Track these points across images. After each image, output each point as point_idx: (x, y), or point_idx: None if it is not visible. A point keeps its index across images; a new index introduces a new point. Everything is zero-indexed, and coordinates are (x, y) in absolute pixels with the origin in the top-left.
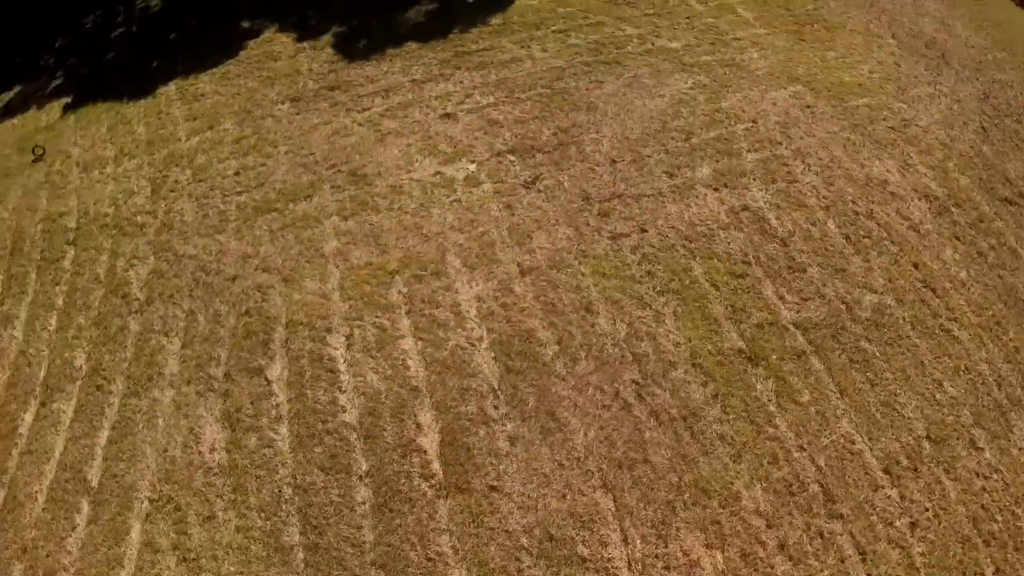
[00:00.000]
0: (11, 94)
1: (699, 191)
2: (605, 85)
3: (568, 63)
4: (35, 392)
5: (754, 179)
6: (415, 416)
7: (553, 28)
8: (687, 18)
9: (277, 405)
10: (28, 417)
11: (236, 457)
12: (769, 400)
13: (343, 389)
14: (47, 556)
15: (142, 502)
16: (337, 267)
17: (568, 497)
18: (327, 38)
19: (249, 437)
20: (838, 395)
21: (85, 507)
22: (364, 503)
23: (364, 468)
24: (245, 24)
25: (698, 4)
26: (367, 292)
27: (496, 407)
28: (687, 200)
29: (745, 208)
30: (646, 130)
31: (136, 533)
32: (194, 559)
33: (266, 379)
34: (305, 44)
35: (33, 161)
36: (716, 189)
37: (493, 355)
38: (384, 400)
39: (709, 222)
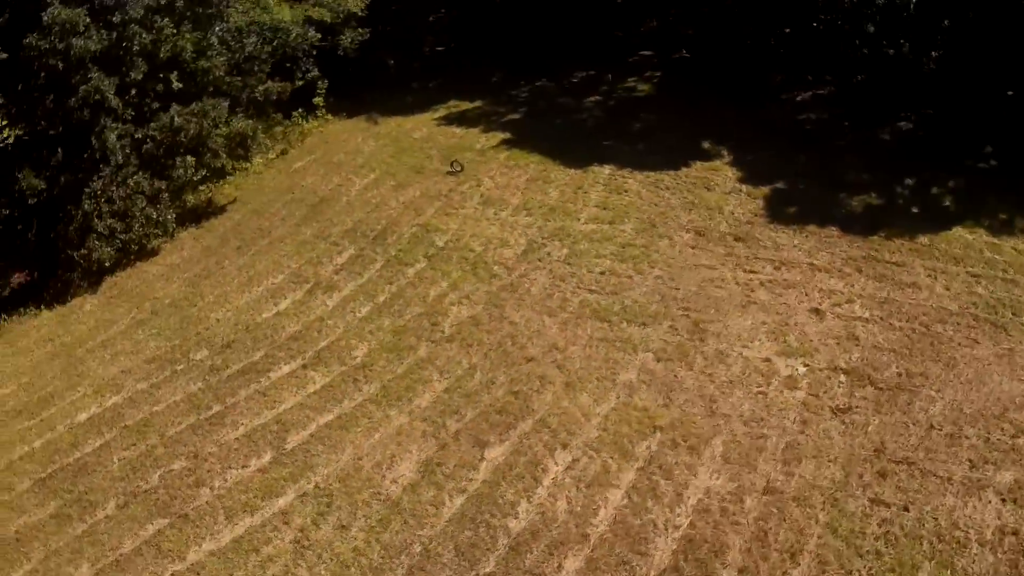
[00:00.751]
0: (471, 105)
1: (987, 495)
2: (978, 347)
3: (959, 310)
4: (322, 358)
5: None
6: (564, 557)
7: (969, 269)
8: None
9: (471, 480)
10: (284, 369)
11: (404, 498)
12: None
13: (531, 499)
14: (208, 471)
15: (309, 482)
16: (617, 397)
17: None
18: (764, 190)
19: (428, 490)
20: None
21: (266, 456)
22: None
23: (487, 569)
24: (705, 144)
25: None
26: (622, 432)
27: None
28: (969, 498)
29: (1015, 533)
30: (983, 409)
31: (283, 499)
32: (304, 547)
33: (482, 455)
34: (744, 187)
35: (447, 172)
36: (1004, 501)
37: (675, 547)
38: (552, 529)
39: (971, 531)
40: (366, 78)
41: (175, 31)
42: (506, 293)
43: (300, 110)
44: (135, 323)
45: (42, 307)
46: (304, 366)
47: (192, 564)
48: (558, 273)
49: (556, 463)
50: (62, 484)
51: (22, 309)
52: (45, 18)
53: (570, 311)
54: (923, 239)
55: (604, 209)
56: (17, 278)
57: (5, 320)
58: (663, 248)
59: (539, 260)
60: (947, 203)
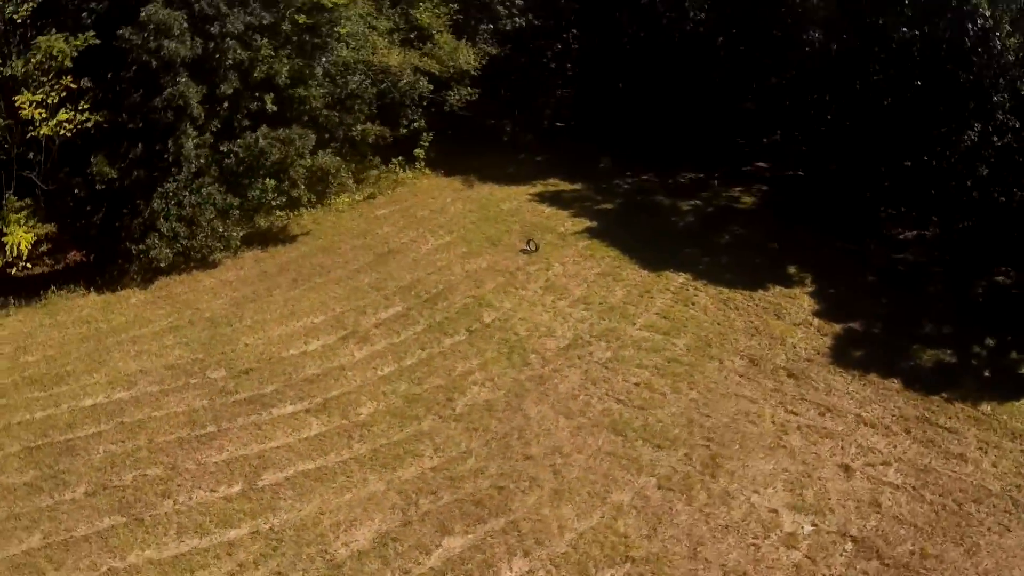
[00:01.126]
0: (570, 187)
1: None
2: (1008, 535)
3: (1001, 491)
4: (327, 407)
5: None
6: None
7: None
8: None
9: (419, 563)
10: (288, 408)
11: (348, 564)
12: None
13: None
14: (179, 485)
15: (266, 522)
16: (602, 517)
17: None
18: (836, 327)
19: (374, 562)
20: None
21: (236, 487)
22: None
23: None
24: (790, 269)
25: None
26: (591, 554)
27: None
28: None
29: None
30: None
31: (235, 531)
32: None
33: (440, 543)
34: (816, 320)
35: (521, 250)
36: None
37: None
38: None
39: None
40: (475, 140)
41: (273, 53)
42: (532, 384)
43: (400, 158)
44: (169, 327)
45: (91, 290)
46: (307, 410)
47: (129, 565)
48: (592, 375)
49: (511, 570)
50: (45, 458)
51: (72, 286)
52: (143, 15)
53: (589, 417)
54: (986, 407)
55: (664, 318)
56: (72, 255)
57: (54, 292)
58: (709, 371)
59: (579, 357)
60: (1023, 371)
